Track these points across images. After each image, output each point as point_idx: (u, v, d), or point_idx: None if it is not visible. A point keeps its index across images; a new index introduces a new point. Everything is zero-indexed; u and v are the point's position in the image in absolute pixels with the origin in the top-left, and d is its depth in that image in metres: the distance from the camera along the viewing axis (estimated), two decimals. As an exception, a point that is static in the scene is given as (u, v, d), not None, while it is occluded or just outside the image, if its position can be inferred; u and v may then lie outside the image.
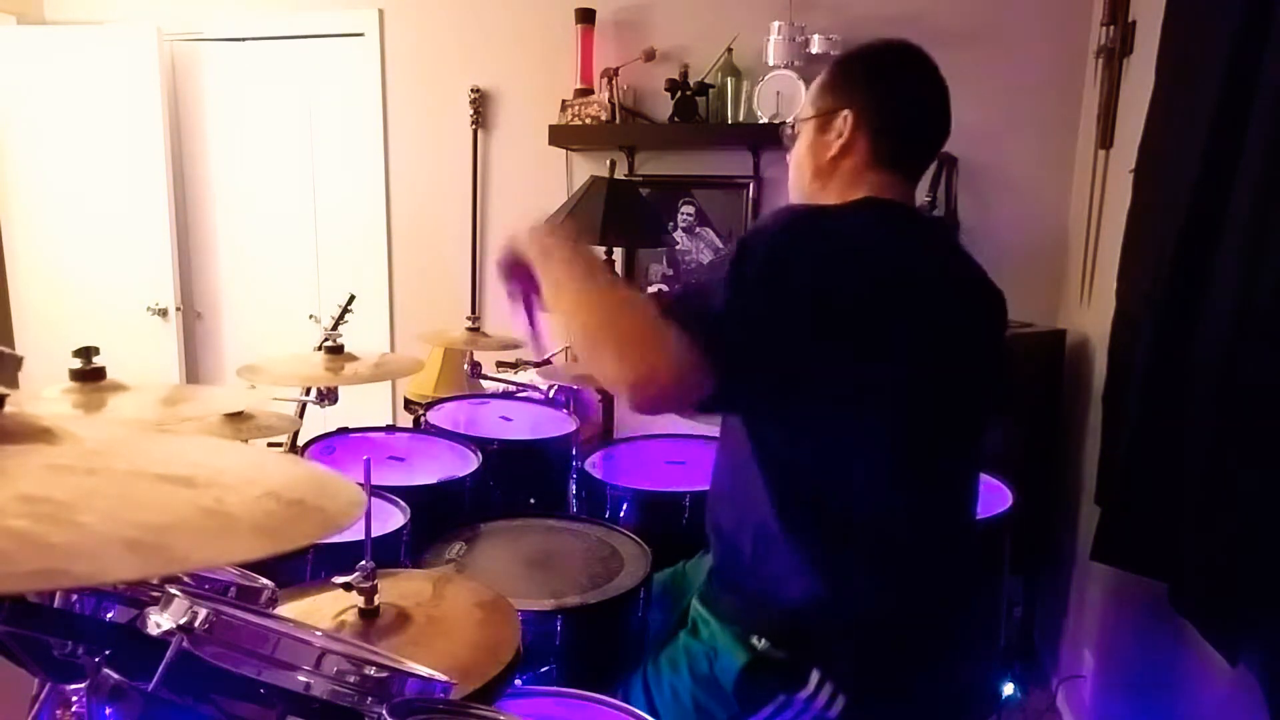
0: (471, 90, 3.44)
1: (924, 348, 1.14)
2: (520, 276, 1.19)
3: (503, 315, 3.15)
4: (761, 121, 2.95)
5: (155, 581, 0.74)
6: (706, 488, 1.40)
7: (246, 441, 1.82)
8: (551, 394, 2.43)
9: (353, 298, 2.65)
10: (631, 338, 1.02)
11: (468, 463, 1.84)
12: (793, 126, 1.33)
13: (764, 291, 1.03)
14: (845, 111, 1.23)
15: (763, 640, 1.19)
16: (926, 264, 1.21)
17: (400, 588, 1.12)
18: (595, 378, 1.14)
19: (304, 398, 2.17)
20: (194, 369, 4.04)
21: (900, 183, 1.26)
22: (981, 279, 1.31)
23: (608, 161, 2.61)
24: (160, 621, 0.67)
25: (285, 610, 0.99)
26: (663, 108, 3.16)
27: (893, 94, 1.24)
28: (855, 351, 1.08)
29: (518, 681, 1.20)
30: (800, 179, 1.31)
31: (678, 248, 3.31)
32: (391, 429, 2.15)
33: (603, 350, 1.05)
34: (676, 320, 1.00)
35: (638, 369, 1.00)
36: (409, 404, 3.05)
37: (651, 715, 1.21)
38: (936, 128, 1.27)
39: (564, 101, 3.22)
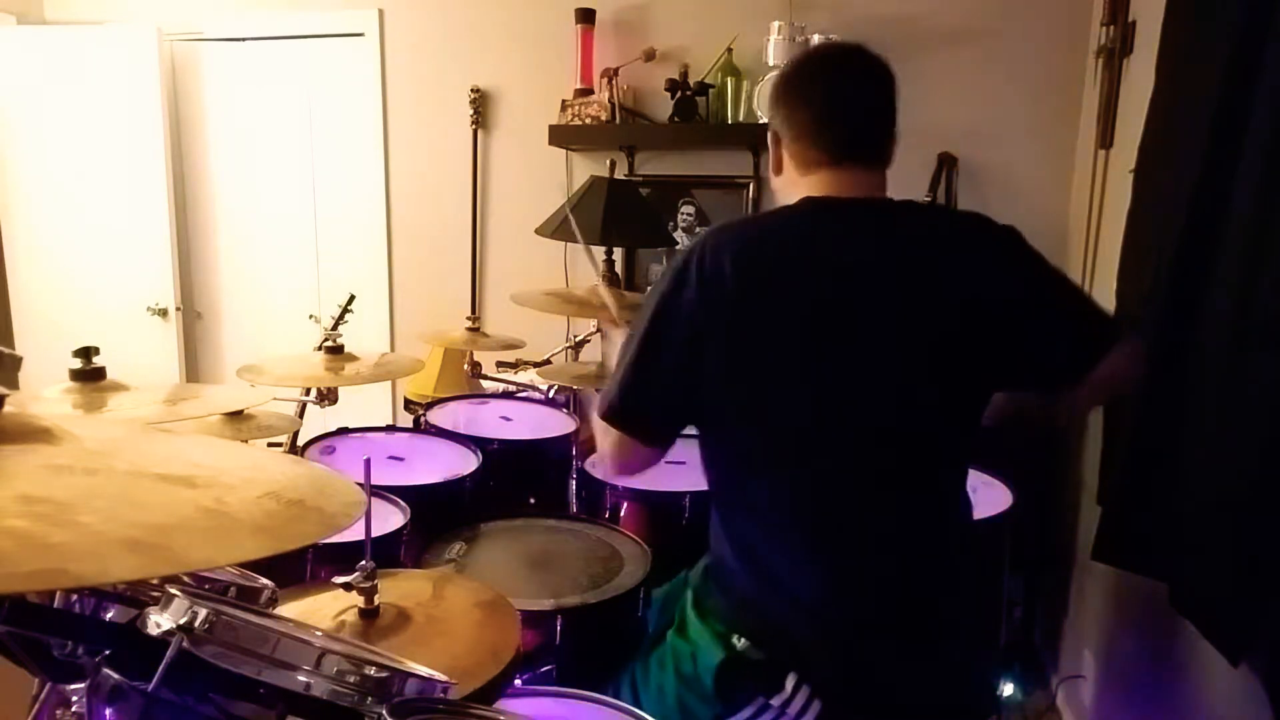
0: (471, 90, 3.44)
1: (801, 352, 1.17)
2: None
3: (503, 315, 3.16)
4: (761, 121, 2.95)
5: (155, 581, 0.74)
6: (706, 488, 1.40)
7: (246, 441, 1.82)
8: (551, 394, 2.43)
9: (353, 298, 2.65)
10: (600, 440, 1.31)
11: (468, 463, 1.84)
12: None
13: (641, 336, 1.21)
14: (770, 131, 1.31)
15: (743, 640, 1.19)
16: (820, 259, 1.18)
17: (400, 588, 1.13)
18: None
19: (304, 398, 2.17)
20: (194, 369, 4.04)
21: (834, 177, 1.23)
22: (957, 265, 1.22)
23: (608, 161, 2.61)
24: (160, 621, 0.67)
25: (285, 610, 0.99)
26: (663, 108, 3.16)
27: (791, 104, 1.28)
28: (717, 357, 1.16)
29: (518, 681, 1.20)
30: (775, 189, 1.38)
31: (678, 248, 3.31)
32: (391, 429, 2.16)
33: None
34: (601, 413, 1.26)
35: (608, 461, 1.32)
36: (409, 404, 3.05)
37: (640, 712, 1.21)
38: (848, 115, 1.24)
39: (564, 101, 3.22)
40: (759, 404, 1.18)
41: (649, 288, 1.32)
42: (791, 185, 1.29)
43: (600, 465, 1.40)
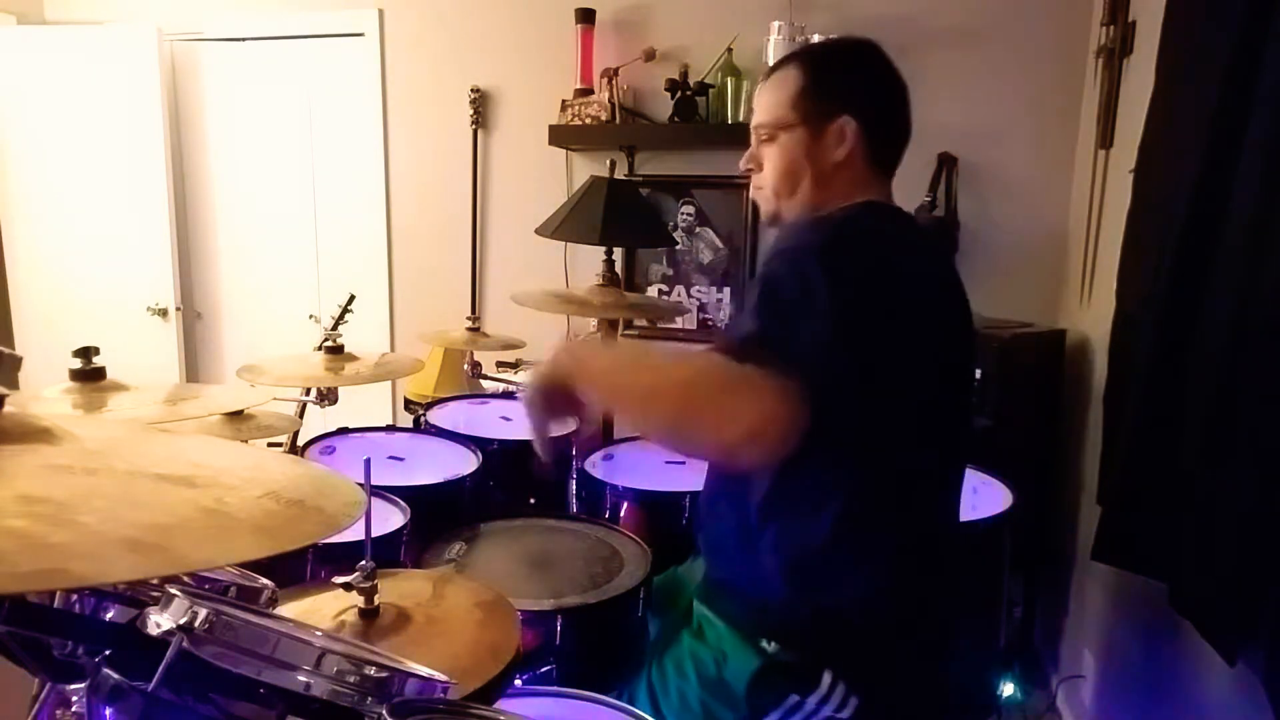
0: (471, 90, 3.44)
1: (932, 348, 1.16)
2: (562, 405, 1.09)
3: (503, 315, 3.16)
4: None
5: (155, 581, 0.74)
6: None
7: (246, 441, 1.82)
8: (551, 394, 2.43)
9: (353, 298, 2.65)
10: (726, 397, 0.95)
11: (468, 463, 1.84)
12: (765, 130, 1.30)
13: (826, 307, 1.00)
14: (845, 117, 1.22)
15: (772, 643, 1.19)
16: (928, 263, 1.24)
17: (400, 588, 1.12)
18: (693, 455, 1.15)
19: (304, 398, 2.17)
20: (194, 369, 4.04)
21: (886, 183, 1.29)
22: (957, 276, 1.30)
23: (608, 161, 2.60)
24: (160, 621, 0.67)
25: (285, 610, 0.99)
26: (663, 108, 3.16)
27: (886, 96, 1.26)
28: (892, 354, 1.09)
29: (518, 681, 1.20)
30: (791, 184, 1.27)
31: (678, 248, 3.31)
32: (391, 429, 2.15)
33: (699, 422, 0.98)
34: (758, 363, 0.95)
35: (748, 423, 0.94)
36: (409, 404, 3.05)
37: (657, 718, 1.21)
38: (908, 124, 1.30)
39: (564, 101, 3.22)
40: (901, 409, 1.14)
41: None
42: (853, 179, 1.24)
43: (735, 442, 0.95)
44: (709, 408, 0.96)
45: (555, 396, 1.07)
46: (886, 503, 1.17)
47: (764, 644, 1.19)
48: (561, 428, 1.15)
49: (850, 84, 1.25)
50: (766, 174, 1.31)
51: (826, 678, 1.16)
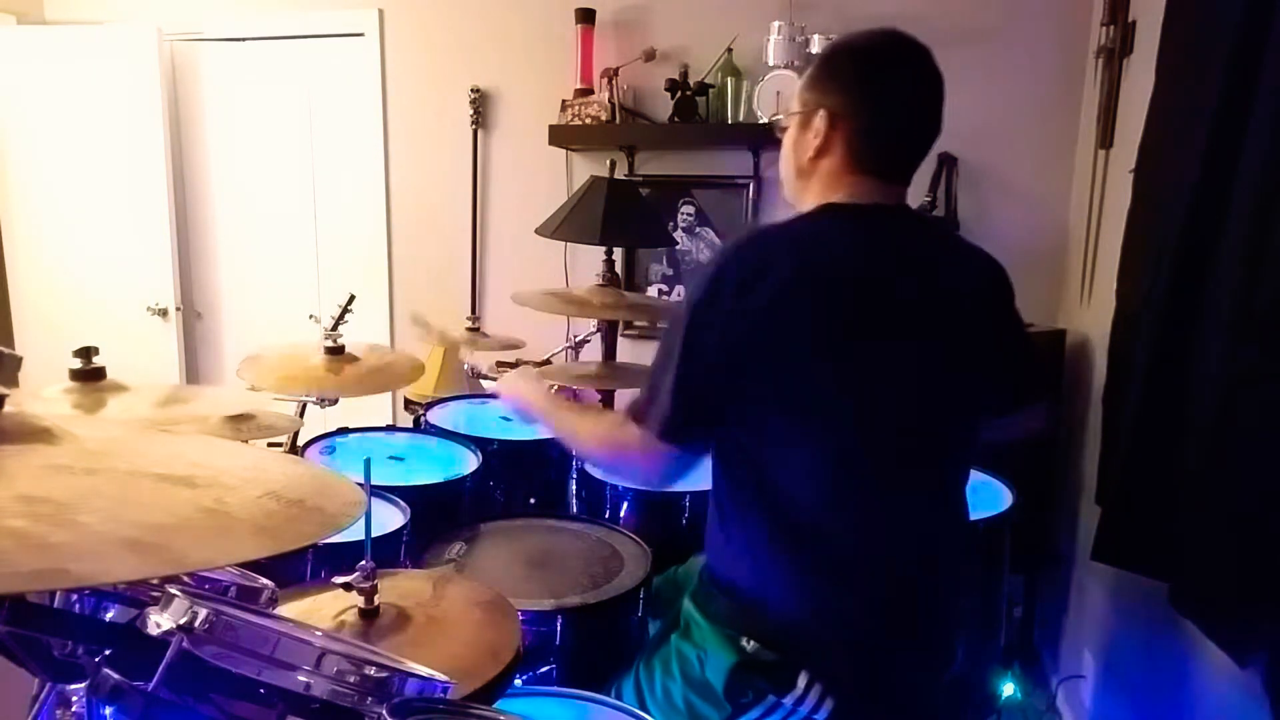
0: (471, 90, 3.44)
1: (842, 355, 1.15)
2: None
3: (503, 315, 3.16)
4: (761, 121, 2.95)
5: (155, 581, 0.74)
6: (706, 488, 1.40)
7: (247, 442, 1.82)
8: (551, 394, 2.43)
9: (353, 298, 2.64)
10: (604, 440, 1.32)
11: (468, 463, 1.84)
12: (783, 120, 1.31)
13: (680, 348, 1.16)
14: (821, 110, 1.20)
15: (752, 642, 1.19)
16: (855, 267, 1.17)
17: (400, 588, 1.12)
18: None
19: (304, 397, 2.17)
20: (194, 369, 4.04)
21: (880, 185, 1.21)
22: (965, 273, 1.29)
23: (608, 161, 2.60)
24: (160, 621, 0.67)
25: (285, 610, 0.99)
26: (663, 108, 3.16)
27: (872, 93, 1.20)
28: (775, 370, 1.12)
29: (518, 681, 1.20)
30: (786, 177, 1.30)
31: (678, 248, 3.31)
32: (391, 429, 2.15)
33: (606, 461, 1.53)
34: (636, 422, 1.21)
35: (614, 455, 1.34)
36: (409, 404, 3.05)
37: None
38: (923, 126, 1.22)
39: (564, 101, 3.22)
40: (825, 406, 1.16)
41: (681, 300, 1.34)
42: (833, 176, 1.21)
43: (620, 471, 1.57)
44: (608, 454, 1.38)
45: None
46: (780, 515, 1.19)
47: (744, 642, 1.19)
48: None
49: (838, 77, 1.21)
50: (780, 163, 1.33)
51: (802, 679, 1.16)
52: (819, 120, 1.20)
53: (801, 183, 1.26)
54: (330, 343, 1.92)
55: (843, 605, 1.19)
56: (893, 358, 1.18)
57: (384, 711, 0.69)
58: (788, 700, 1.16)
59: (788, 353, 1.13)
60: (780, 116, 1.33)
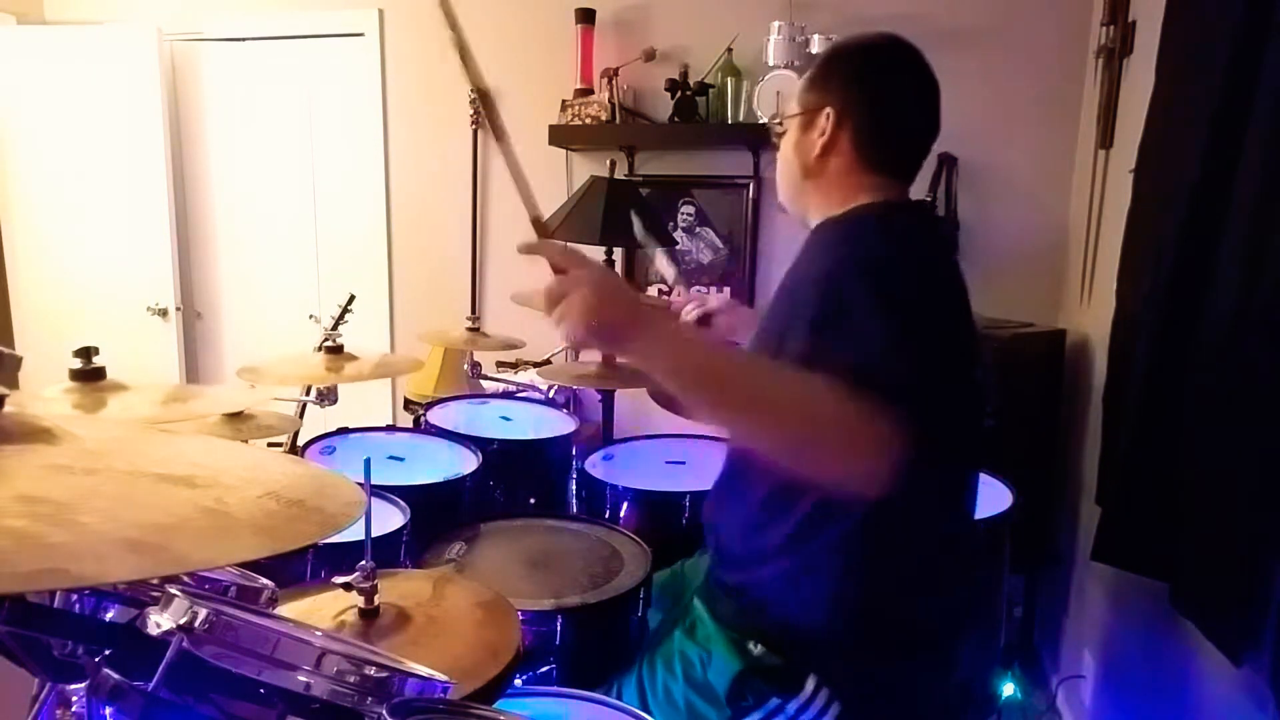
0: (471, 90, 3.43)
1: (955, 348, 1.15)
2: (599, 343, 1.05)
3: (503, 315, 3.16)
4: (761, 121, 2.95)
5: (155, 581, 0.74)
6: (706, 488, 1.40)
7: (246, 441, 1.82)
8: (551, 394, 2.43)
9: (353, 298, 2.65)
10: (849, 431, 0.92)
11: (468, 463, 1.84)
12: (780, 122, 1.31)
13: (905, 325, 1.00)
14: (826, 109, 1.21)
15: (759, 646, 1.19)
16: (953, 266, 1.23)
17: (400, 588, 1.12)
18: (795, 469, 1.03)
19: (304, 398, 2.17)
20: (194, 369, 4.04)
21: (895, 185, 1.23)
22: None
23: (608, 161, 2.60)
24: (160, 621, 0.67)
25: (285, 610, 0.99)
26: (663, 108, 3.16)
27: (876, 93, 1.21)
28: (946, 366, 1.10)
29: (518, 681, 1.20)
30: (789, 177, 1.30)
31: (678, 248, 3.31)
32: (391, 429, 2.16)
33: (820, 445, 0.94)
34: (870, 402, 0.90)
35: (871, 458, 0.91)
36: (409, 404, 3.05)
37: (644, 713, 1.21)
38: (924, 127, 1.24)
39: (564, 101, 3.22)
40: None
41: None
42: (843, 176, 1.22)
43: (846, 481, 0.95)
44: (831, 434, 0.93)
45: (595, 338, 0.99)
46: (895, 520, 1.13)
47: (751, 646, 1.19)
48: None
49: (843, 76, 1.22)
50: (777, 166, 1.33)
51: (810, 683, 1.15)
52: (824, 120, 1.21)
53: (808, 183, 1.26)
54: (330, 342, 1.93)
55: (880, 617, 1.18)
56: (971, 347, 1.22)
57: (384, 711, 0.69)
58: (792, 706, 1.16)
59: (962, 340, 1.16)
60: (776, 117, 1.33)
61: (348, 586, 1.03)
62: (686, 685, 1.23)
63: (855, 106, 1.20)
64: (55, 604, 0.72)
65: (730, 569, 1.28)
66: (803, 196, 1.28)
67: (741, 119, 3.06)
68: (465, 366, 2.59)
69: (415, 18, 3.51)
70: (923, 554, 1.19)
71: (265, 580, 0.97)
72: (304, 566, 1.37)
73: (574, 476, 1.96)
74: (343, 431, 1.97)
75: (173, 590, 0.70)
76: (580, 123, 3.17)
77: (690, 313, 1.61)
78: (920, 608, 1.21)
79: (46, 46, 3.76)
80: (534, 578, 1.41)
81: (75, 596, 0.75)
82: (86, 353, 1.40)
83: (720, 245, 3.27)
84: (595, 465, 1.91)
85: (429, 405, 2.25)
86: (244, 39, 3.78)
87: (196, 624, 0.66)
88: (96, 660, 0.67)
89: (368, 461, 1.02)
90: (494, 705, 0.94)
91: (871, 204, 1.21)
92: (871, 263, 1.09)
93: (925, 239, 1.22)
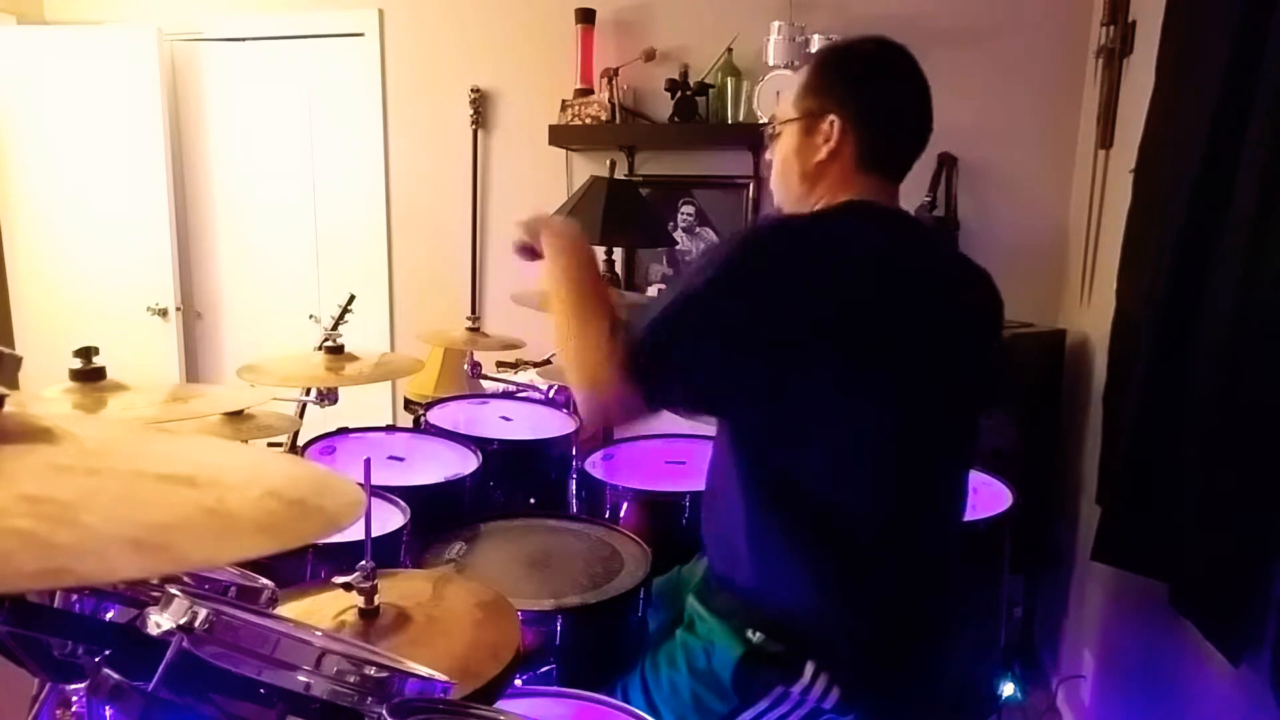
0: (471, 90, 3.44)
1: (903, 346, 1.15)
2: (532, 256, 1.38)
3: (503, 315, 3.16)
4: (761, 121, 2.95)
5: (155, 581, 0.74)
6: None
7: (247, 441, 1.82)
8: (551, 394, 2.43)
9: (353, 298, 2.65)
10: (589, 350, 1.11)
11: (468, 463, 1.84)
12: (774, 125, 1.32)
13: (716, 301, 1.07)
14: (832, 116, 1.22)
15: (758, 634, 1.19)
16: (904, 261, 1.20)
17: (400, 588, 1.12)
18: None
19: (304, 398, 2.17)
20: (194, 369, 4.04)
21: (885, 184, 1.25)
22: (971, 278, 1.32)
23: (608, 161, 2.61)
24: (160, 621, 0.67)
25: (285, 610, 0.99)
26: (663, 108, 3.16)
27: (880, 97, 1.23)
28: (834, 354, 1.10)
29: (518, 681, 1.20)
30: (787, 180, 1.30)
31: (678, 248, 3.31)
32: (391, 429, 2.15)
33: (566, 354, 1.16)
34: (627, 335, 1.07)
35: (586, 377, 1.11)
36: (409, 404, 3.04)
37: (650, 711, 1.21)
38: (921, 127, 1.27)
39: (564, 101, 3.22)
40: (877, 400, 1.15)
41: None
42: (841, 178, 1.23)
43: (575, 392, 1.14)
44: (576, 348, 1.14)
45: (529, 250, 1.38)
46: (803, 508, 1.16)
47: (750, 634, 1.20)
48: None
49: (846, 83, 1.24)
50: (772, 168, 1.34)
51: (809, 668, 1.16)
52: (829, 126, 1.22)
53: (806, 186, 1.27)
54: (330, 342, 1.92)
55: (863, 599, 1.20)
56: (939, 345, 1.22)
57: (384, 711, 0.69)
58: (795, 690, 1.16)
59: (862, 335, 1.13)
60: (771, 119, 1.33)
61: (348, 586, 1.03)
62: (691, 678, 1.24)
63: (860, 114, 1.22)
64: (55, 604, 0.73)
65: (719, 564, 1.29)
66: (801, 199, 1.29)
67: (741, 119, 3.06)
68: (465, 366, 2.59)
69: (415, 18, 3.51)
70: (874, 542, 1.18)
71: (265, 580, 0.97)
72: (304, 566, 1.37)
73: (574, 476, 1.96)
74: (343, 432, 1.97)
75: (173, 590, 0.70)
76: (580, 123, 3.17)
77: None
78: (896, 597, 1.21)
79: (46, 46, 3.76)
80: (534, 578, 1.42)
81: (75, 596, 0.75)
82: (86, 353, 1.40)
83: (720, 245, 3.26)
84: (595, 465, 1.91)
85: (429, 405, 2.25)
86: (244, 39, 3.78)
87: (196, 624, 0.66)
88: (96, 660, 0.67)
89: (368, 461, 1.02)
90: (494, 705, 0.95)
91: (846, 203, 1.22)
92: (740, 233, 1.16)
93: (872, 237, 1.20)
